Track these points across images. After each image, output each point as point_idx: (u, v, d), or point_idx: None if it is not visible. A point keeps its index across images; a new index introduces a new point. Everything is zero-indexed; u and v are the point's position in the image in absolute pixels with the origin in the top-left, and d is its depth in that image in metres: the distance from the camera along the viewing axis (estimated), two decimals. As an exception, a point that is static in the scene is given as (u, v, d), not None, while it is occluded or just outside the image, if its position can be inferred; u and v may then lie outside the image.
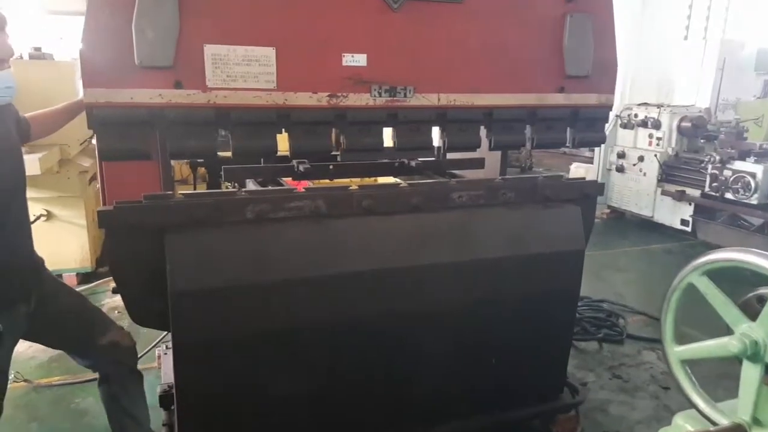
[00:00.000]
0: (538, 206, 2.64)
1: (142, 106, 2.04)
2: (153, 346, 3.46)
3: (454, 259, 2.45)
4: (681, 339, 2.07)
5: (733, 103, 9.43)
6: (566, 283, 2.72)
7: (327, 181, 2.97)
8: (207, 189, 3.72)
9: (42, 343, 2.50)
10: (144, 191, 2.11)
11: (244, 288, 2.16)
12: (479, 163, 3.09)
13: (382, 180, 3.26)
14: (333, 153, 2.54)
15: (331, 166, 2.78)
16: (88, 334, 2.41)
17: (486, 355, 2.64)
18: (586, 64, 2.64)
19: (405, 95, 2.36)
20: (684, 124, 7.00)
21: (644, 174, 7.29)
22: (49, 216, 4.82)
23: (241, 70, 2.14)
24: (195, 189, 4.08)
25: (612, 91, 2.79)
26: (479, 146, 2.60)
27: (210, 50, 2.09)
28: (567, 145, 2.83)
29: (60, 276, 4.88)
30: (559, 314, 2.76)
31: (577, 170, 8.64)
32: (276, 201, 2.22)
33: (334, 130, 2.42)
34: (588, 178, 2.94)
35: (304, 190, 2.32)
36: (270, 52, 2.16)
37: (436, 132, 2.64)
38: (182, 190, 2.29)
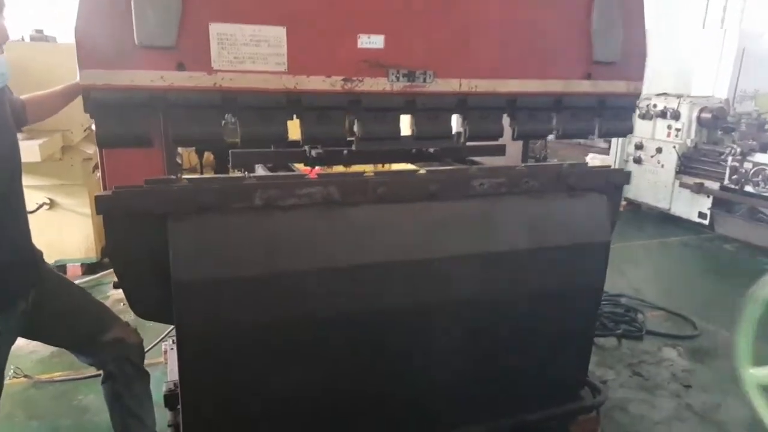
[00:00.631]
0: (562, 195, 2.50)
1: (142, 89, 1.91)
2: (159, 341, 3.36)
3: (474, 250, 2.33)
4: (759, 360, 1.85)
5: (751, 95, 9.22)
6: (590, 276, 2.59)
7: (341, 167, 2.84)
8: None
9: (42, 341, 2.39)
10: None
11: (251, 278, 2.04)
12: (500, 150, 2.94)
13: (397, 167, 3.13)
14: (348, 140, 2.40)
15: (345, 152, 2.65)
16: (91, 331, 2.29)
17: (506, 352, 2.51)
18: (614, 48, 2.49)
19: (424, 80, 2.23)
20: (704, 115, 6.82)
21: (662, 166, 7.13)
22: (52, 205, 4.71)
23: (249, 51, 2.01)
24: (201, 175, 3.94)
25: (641, 78, 2.64)
26: (501, 135, 2.47)
27: (216, 29, 1.96)
28: (592, 135, 2.68)
29: (64, 267, 4.86)
30: (582, 309, 2.63)
31: (593, 161, 8.43)
32: (286, 187, 2.10)
33: (347, 117, 2.29)
34: (609, 168, 2.80)
35: (316, 176, 2.19)
36: (280, 32, 2.03)
37: (454, 118, 2.51)
38: (186, 176, 2.17)
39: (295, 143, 2.43)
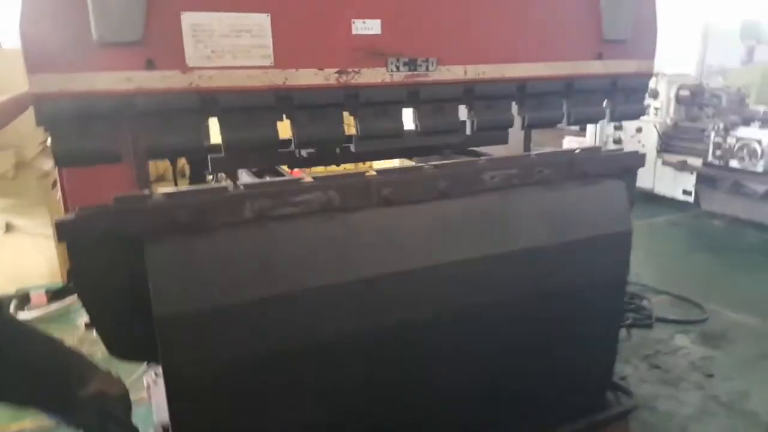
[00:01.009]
0: (577, 183, 2.30)
1: (105, 94, 1.64)
2: (140, 374, 3.03)
3: (490, 251, 2.10)
4: None
5: (717, 71, 9.23)
6: (614, 269, 2.40)
7: (333, 167, 2.59)
8: (190, 185, 3.26)
9: (2, 402, 1.97)
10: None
11: (246, 304, 1.78)
12: (502, 138, 2.71)
13: (379, 164, 2.88)
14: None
15: (337, 150, 2.39)
16: (64, 386, 1.94)
17: (527, 358, 2.29)
18: (625, 25, 2.32)
19: (427, 68, 2.00)
20: (682, 92, 6.76)
21: (643, 145, 7.02)
22: (8, 228, 4.36)
23: (229, 44, 1.75)
24: (176, 186, 3.62)
25: (652, 56, 2.48)
26: (512, 125, 2.26)
27: (189, 19, 1.69)
28: (604, 120, 2.50)
29: (27, 295, 4.48)
30: (607, 306, 2.43)
31: (570, 145, 8.32)
32: (279, 195, 1.84)
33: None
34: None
35: (312, 179, 1.93)
36: (264, 20, 1.78)
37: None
38: (161, 189, 1.89)
39: (281, 142, 2.17)
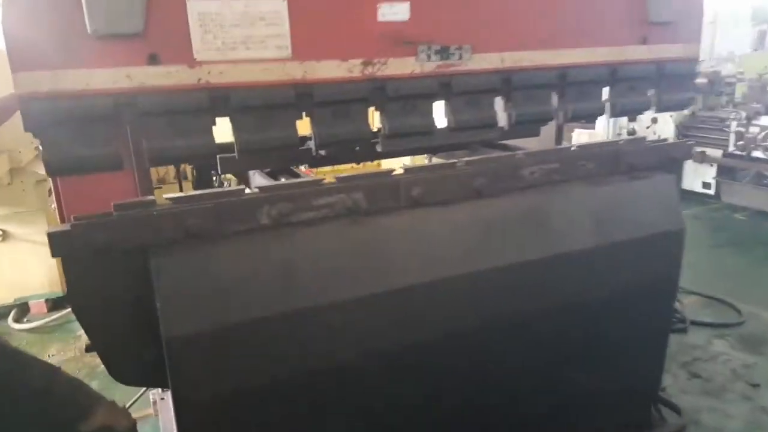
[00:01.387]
0: (624, 178, 2.10)
1: (102, 93, 1.47)
2: (141, 394, 2.83)
3: (533, 256, 1.90)
4: None
5: (726, 57, 8.99)
6: (665, 272, 2.20)
7: (350, 166, 2.41)
8: (195, 189, 3.06)
9: None
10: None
11: (264, 321, 1.60)
12: (533, 130, 2.51)
13: (403, 161, 2.69)
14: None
15: (357, 147, 2.20)
16: (66, 420, 1.77)
17: (571, 372, 2.10)
18: (671, 5, 2.11)
19: (460, 57, 1.83)
20: (699, 80, 6.51)
21: (659, 137, 6.79)
22: (5, 236, 4.23)
23: (242, 34, 1.61)
24: (181, 191, 3.41)
25: (698, 39, 2.30)
26: (552, 118, 2.09)
27: (196, 7, 1.55)
28: (649, 110, 2.32)
29: (26, 305, 4.35)
30: (657, 312, 2.24)
31: (580, 137, 8.08)
32: (299, 198, 1.67)
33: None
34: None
35: (335, 179, 1.73)
36: (280, 6, 1.63)
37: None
38: (166, 194, 1.71)
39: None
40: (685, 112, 6.66)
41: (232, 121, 1.68)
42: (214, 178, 2.77)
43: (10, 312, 4.30)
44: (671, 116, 6.67)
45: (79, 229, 1.50)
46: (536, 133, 2.52)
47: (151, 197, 1.69)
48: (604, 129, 7.57)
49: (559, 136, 2.61)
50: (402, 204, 1.79)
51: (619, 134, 7.30)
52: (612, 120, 7.38)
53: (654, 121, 6.86)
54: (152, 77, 1.52)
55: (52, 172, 1.60)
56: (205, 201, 1.61)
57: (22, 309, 4.39)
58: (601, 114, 2.19)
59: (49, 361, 3.45)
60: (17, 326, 4.21)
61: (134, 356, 1.63)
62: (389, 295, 1.72)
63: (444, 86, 1.85)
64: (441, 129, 1.95)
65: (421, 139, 1.91)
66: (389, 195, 1.78)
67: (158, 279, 1.51)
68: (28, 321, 4.28)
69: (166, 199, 1.68)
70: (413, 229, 1.81)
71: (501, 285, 1.87)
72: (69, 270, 1.56)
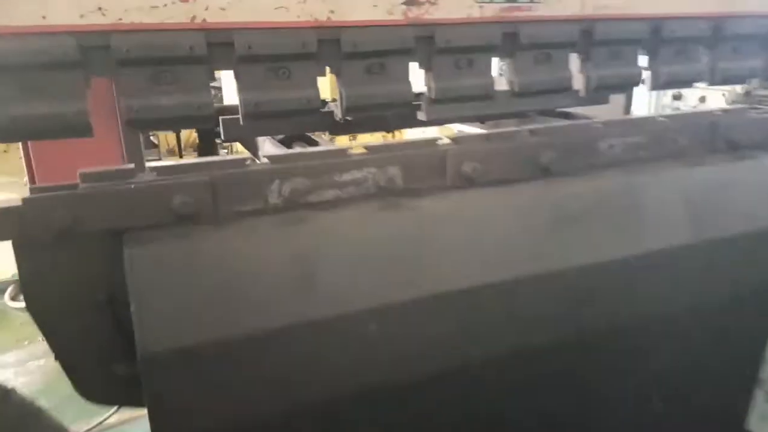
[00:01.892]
0: (726, 157, 1.71)
1: (65, 30, 1.16)
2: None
3: (617, 254, 1.51)
4: None
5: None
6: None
7: (381, 135, 2.05)
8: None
9: None
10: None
11: (270, 334, 1.25)
12: (601, 97, 2.10)
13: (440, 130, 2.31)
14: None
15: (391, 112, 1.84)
16: None
17: (649, 396, 1.73)
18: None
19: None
20: None
21: (709, 117, 6.35)
22: (1, 207, 3.99)
23: None
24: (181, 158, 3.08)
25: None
26: (638, 82, 1.69)
27: None
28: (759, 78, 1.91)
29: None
30: (757, 329, 1.84)
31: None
32: (319, 172, 1.37)
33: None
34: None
35: (365, 149, 1.37)
36: None
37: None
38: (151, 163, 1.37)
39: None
40: (738, 89, 6.16)
41: (236, 76, 1.34)
42: (224, 148, 2.43)
43: (6, 288, 4.14)
44: (723, 95, 6.17)
45: (33, 205, 1.19)
46: (605, 101, 2.11)
47: (129, 165, 1.33)
48: (643, 106, 7.09)
49: (628, 104, 2.19)
50: (449, 183, 1.45)
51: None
52: (654, 99, 6.89)
53: (702, 100, 6.35)
54: (132, 13, 1.18)
55: (3, 137, 1.25)
56: (198, 173, 1.28)
57: (19, 285, 4.19)
58: (700, 79, 1.77)
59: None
60: (13, 304, 4.04)
61: (104, 370, 1.30)
62: (431, 302, 1.35)
63: (508, 37, 1.47)
64: (501, 92, 1.55)
65: (477, 105, 1.52)
66: (433, 171, 1.45)
67: (133, 274, 1.18)
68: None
69: (149, 169, 1.34)
70: (462, 215, 1.44)
71: (576, 291, 1.49)
72: (21, 258, 1.25)
